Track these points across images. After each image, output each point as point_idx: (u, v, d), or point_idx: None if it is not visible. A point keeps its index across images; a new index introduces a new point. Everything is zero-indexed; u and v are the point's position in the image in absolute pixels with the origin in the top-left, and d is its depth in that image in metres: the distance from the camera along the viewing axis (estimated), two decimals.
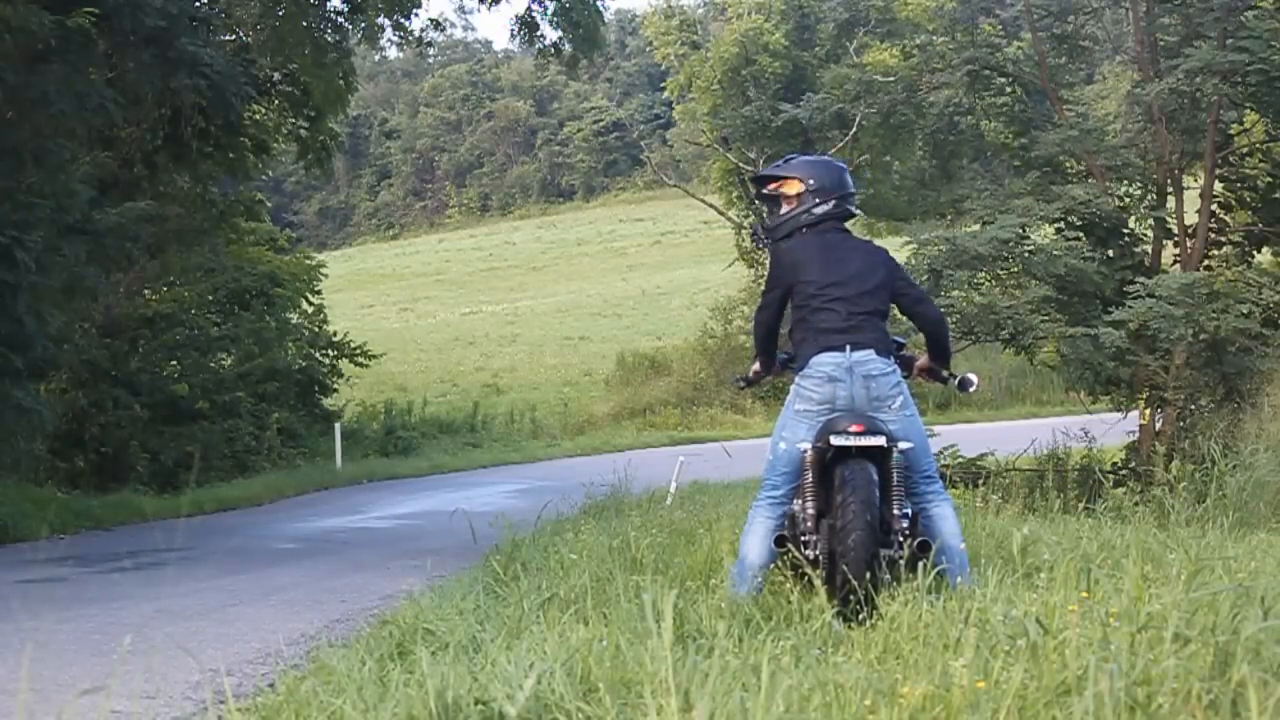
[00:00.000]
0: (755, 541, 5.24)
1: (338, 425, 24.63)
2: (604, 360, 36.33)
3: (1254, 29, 11.43)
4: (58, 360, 15.85)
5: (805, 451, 5.11)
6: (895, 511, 5.05)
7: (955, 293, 11.83)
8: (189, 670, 5.03)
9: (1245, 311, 11.21)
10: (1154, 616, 3.45)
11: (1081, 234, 12.35)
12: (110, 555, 10.51)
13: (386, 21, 18.60)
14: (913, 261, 12.20)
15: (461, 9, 76.98)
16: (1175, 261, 12.74)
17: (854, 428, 5.01)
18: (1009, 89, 13.97)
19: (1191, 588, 3.70)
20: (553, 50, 18.10)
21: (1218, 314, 10.97)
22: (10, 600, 7.60)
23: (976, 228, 12.63)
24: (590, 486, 11.26)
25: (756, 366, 5.86)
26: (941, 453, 12.30)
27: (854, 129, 26.35)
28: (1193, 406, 11.84)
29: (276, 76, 19.46)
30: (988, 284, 12.30)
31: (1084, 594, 4.08)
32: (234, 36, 18.80)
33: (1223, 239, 13.01)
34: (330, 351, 27.14)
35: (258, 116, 19.52)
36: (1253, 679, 2.98)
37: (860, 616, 4.53)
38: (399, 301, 56.38)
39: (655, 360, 33.87)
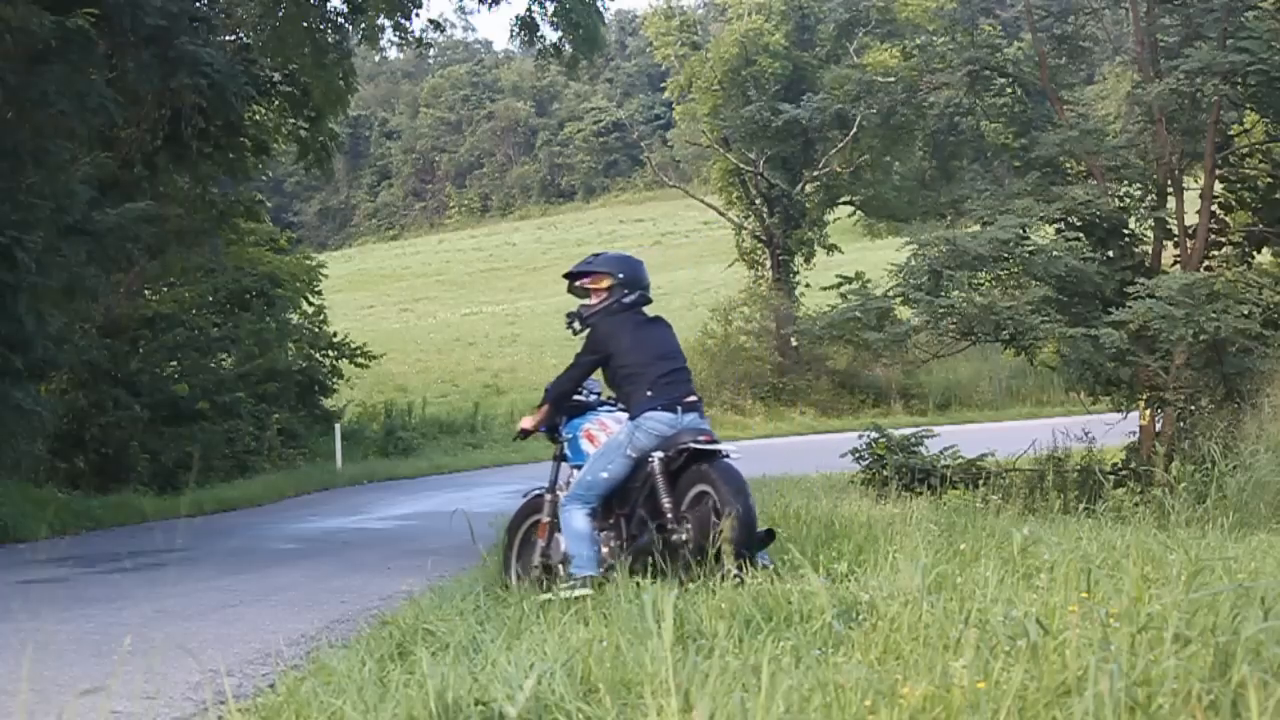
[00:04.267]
0: (583, 527, 6.28)
1: (338, 426, 24.60)
2: None
3: (1254, 29, 11.44)
4: (58, 360, 15.82)
5: (654, 461, 6.18)
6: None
7: (955, 293, 11.83)
8: (189, 670, 5.03)
9: (1245, 312, 11.20)
10: (1154, 617, 3.45)
11: (1081, 234, 12.34)
12: (110, 555, 10.51)
13: (386, 22, 18.58)
14: (913, 262, 12.21)
15: (461, 9, 76.50)
16: (1175, 262, 12.74)
17: (703, 437, 6.22)
18: (1009, 89, 13.97)
19: (1192, 588, 3.70)
20: (553, 51, 18.09)
21: (1218, 314, 10.97)
22: (10, 600, 7.61)
23: (976, 228, 12.63)
24: None
25: (534, 421, 6.75)
26: (942, 453, 12.33)
27: (854, 129, 26.34)
28: (1193, 407, 11.83)
29: (276, 77, 19.44)
30: (988, 284, 12.30)
31: (1084, 594, 4.08)
32: (234, 36, 18.78)
33: (1223, 239, 13.01)
34: (330, 352, 27.09)
35: (258, 117, 19.50)
36: (1253, 679, 2.98)
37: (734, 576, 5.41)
38: (399, 302, 56.37)
39: None
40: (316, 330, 27.19)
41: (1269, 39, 11.32)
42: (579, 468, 6.59)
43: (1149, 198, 12.80)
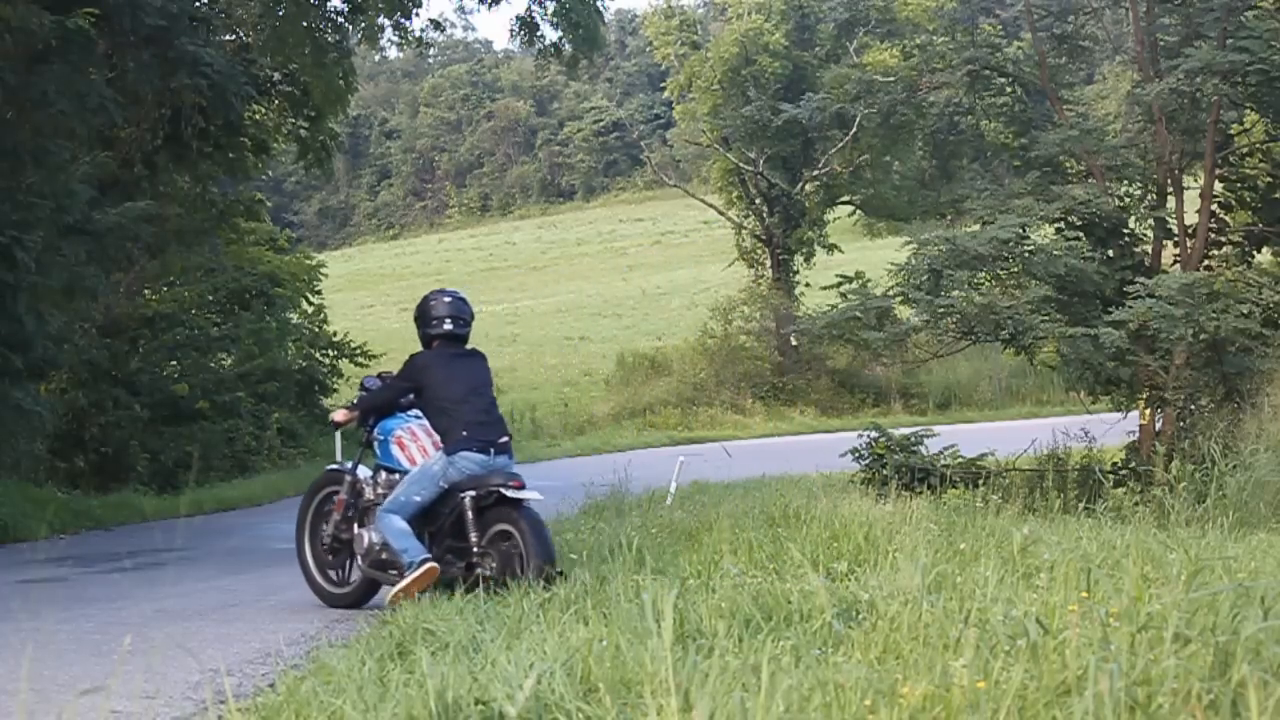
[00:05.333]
0: (402, 526, 6.79)
1: None
2: (604, 360, 36.27)
3: (1254, 29, 11.44)
4: (58, 360, 15.81)
5: (465, 499, 6.73)
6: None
7: (955, 293, 11.82)
8: (189, 670, 5.03)
9: (1245, 311, 11.21)
10: (1154, 616, 3.45)
11: (1081, 234, 12.35)
12: (110, 555, 10.51)
13: (386, 22, 18.58)
14: (913, 262, 12.21)
15: (461, 9, 76.42)
16: (1175, 261, 12.74)
17: (514, 484, 6.74)
18: (1009, 89, 13.97)
19: (1191, 588, 3.71)
20: (553, 50, 18.09)
21: (1218, 314, 10.97)
22: (10, 600, 7.61)
23: (976, 228, 12.63)
24: (590, 486, 11.27)
25: (345, 417, 7.53)
26: (942, 453, 12.33)
27: (854, 129, 26.33)
28: (1193, 407, 11.84)
29: (276, 76, 19.43)
30: (988, 284, 12.30)
31: (1084, 594, 4.08)
32: (234, 36, 18.78)
33: (1223, 239, 13.01)
34: (330, 351, 27.09)
35: (258, 116, 19.49)
36: (1253, 679, 2.98)
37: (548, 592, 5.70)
38: (399, 301, 56.26)
39: (655, 360, 33.82)
40: (316, 330, 27.19)
41: (1269, 39, 11.31)
42: (386, 467, 7.25)
43: (1149, 197, 12.81)
